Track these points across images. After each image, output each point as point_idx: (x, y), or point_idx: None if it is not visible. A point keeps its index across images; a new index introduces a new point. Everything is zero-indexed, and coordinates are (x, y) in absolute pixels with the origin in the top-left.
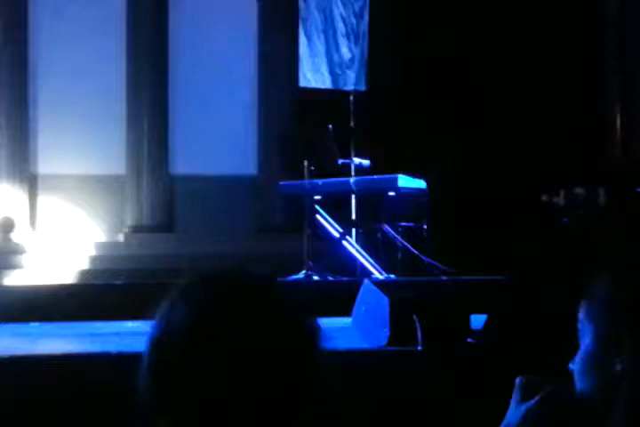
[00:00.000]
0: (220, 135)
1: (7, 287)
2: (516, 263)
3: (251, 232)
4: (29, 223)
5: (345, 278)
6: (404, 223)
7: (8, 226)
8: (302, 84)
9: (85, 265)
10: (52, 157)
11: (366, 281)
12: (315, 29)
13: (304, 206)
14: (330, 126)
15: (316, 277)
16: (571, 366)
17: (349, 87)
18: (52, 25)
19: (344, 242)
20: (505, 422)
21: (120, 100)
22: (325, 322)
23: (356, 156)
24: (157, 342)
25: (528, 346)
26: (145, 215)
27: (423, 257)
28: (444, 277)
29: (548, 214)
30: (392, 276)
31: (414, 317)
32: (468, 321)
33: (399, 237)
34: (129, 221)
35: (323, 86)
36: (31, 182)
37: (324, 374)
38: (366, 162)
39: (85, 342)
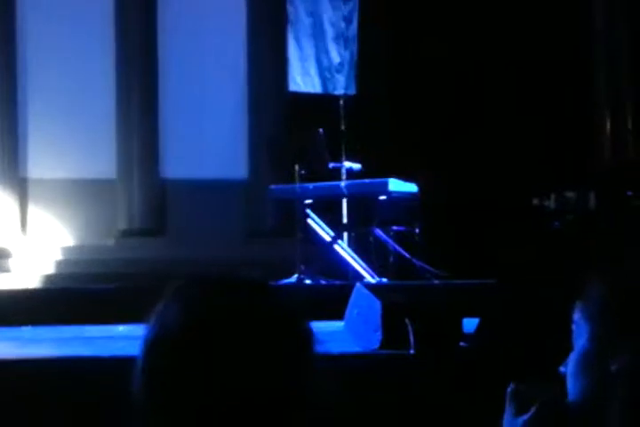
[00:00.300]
0: (210, 139)
1: None
2: (507, 267)
3: (242, 236)
4: (20, 227)
5: (337, 282)
6: (395, 227)
7: None
8: (292, 88)
9: (76, 269)
10: (43, 162)
11: (358, 285)
12: (304, 33)
13: (295, 210)
14: (320, 130)
15: (308, 281)
16: (562, 369)
17: (339, 91)
18: (41, 30)
19: (336, 246)
20: None
21: (110, 104)
22: (318, 326)
23: (347, 159)
24: (151, 345)
25: (520, 350)
26: (136, 219)
27: (415, 261)
28: (436, 281)
29: (539, 218)
30: (384, 280)
31: (406, 320)
32: (460, 325)
33: (391, 241)
34: (120, 225)
35: (312, 90)
36: (21, 187)
37: (317, 378)
38: (357, 166)
39: (77, 346)
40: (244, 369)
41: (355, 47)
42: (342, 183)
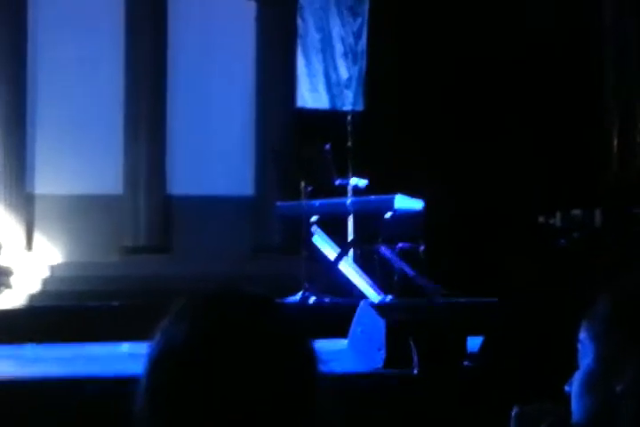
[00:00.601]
0: (217, 156)
1: (2, 309)
2: (512, 285)
3: (248, 253)
4: (25, 243)
5: (341, 300)
6: (400, 244)
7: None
8: (300, 103)
9: (81, 286)
10: (49, 177)
11: (363, 303)
12: (313, 48)
13: (301, 227)
14: (327, 146)
15: (312, 299)
16: (567, 388)
17: (347, 107)
18: (51, 46)
19: (341, 263)
20: None
21: (117, 120)
22: (321, 344)
23: (354, 176)
24: (156, 362)
25: (524, 368)
26: (141, 236)
27: (420, 279)
28: (441, 300)
29: (545, 236)
30: (389, 297)
31: (410, 339)
32: (464, 344)
33: (396, 259)
34: (125, 241)
35: (320, 106)
36: (28, 202)
37: (321, 398)
38: (363, 182)
39: (81, 365)
40: (247, 386)
41: (363, 63)
42: (348, 200)
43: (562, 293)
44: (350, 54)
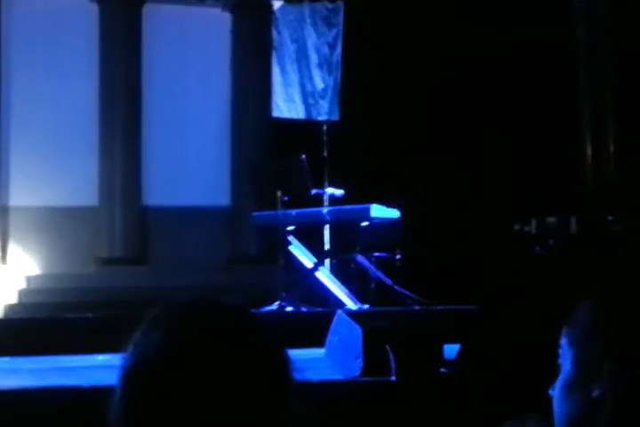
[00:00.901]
0: (192, 166)
1: None
2: (488, 292)
3: (224, 263)
4: (0, 256)
5: (318, 309)
6: (377, 253)
7: None
8: (275, 113)
9: (57, 298)
10: (24, 189)
11: (339, 312)
12: (288, 59)
13: (277, 237)
14: (303, 156)
15: (289, 308)
16: (550, 391)
17: (322, 117)
18: (25, 60)
19: (317, 272)
20: None
21: (92, 132)
22: (299, 353)
23: (330, 185)
24: (129, 373)
25: (501, 375)
26: (117, 247)
27: (396, 287)
28: (417, 307)
29: (521, 243)
30: (365, 306)
31: (387, 347)
32: (441, 351)
33: (373, 267)
34: (101, 252)
35: (296, 116)
36: (2, 214)
37: (298, 406)
38: (339, 192)
39: (56, 376)
40: (221, 396)
41: (338, 73)
42: (325, 209)
43: (538, 299)
44: (325, 65)
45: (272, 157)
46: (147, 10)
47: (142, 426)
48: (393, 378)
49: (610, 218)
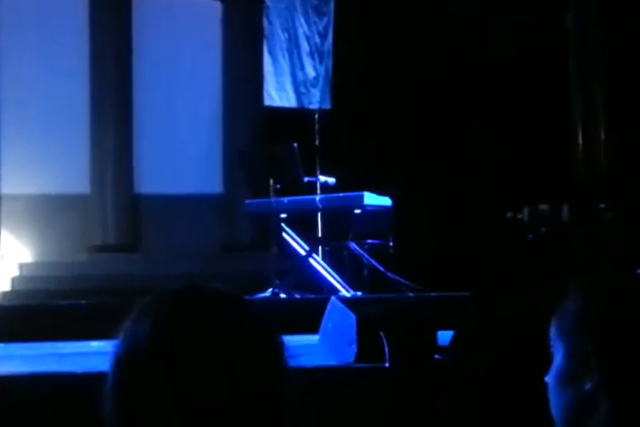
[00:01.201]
0: (184, 154)
1: None
2: (481, 279)
3: (217, 251)
4: None
5: (312, 296)
6: (370, 240)
7: None
8: (267, 102)
9: (50, 285)
10: (16, 177)
11: (333, 298)
12: (279, 48)
13: (270, 225)
14: (295, 144)
15: (282, 295)
16: (546, 378)
17: (314, 105)
18: (15, 44)
19: (310, 260)
20: None
21: (83, 119)
22: (293, 340)
23: (322, 173)
24: (121, 361)
25: (494, 361)
26: (110, 235)
27: (389, 274)
28: (411, 294)
29: (513, 231)
30: (359, 293)
31: (381, 333)
32: (434, 337)
33: (365, 255)
34: (93, 240)
35: (287, 105)
36: None
37: (292, 392)
38: (332, 180)
39: (50, 363)
40: (214, 382)
41: (329, 62)
42: (317, 197)
43: (530, 286)
44: (316, 53)
45: (264, 146)
46: None
47: (134, 414)
48: (387, 364)
49: (602, 206)
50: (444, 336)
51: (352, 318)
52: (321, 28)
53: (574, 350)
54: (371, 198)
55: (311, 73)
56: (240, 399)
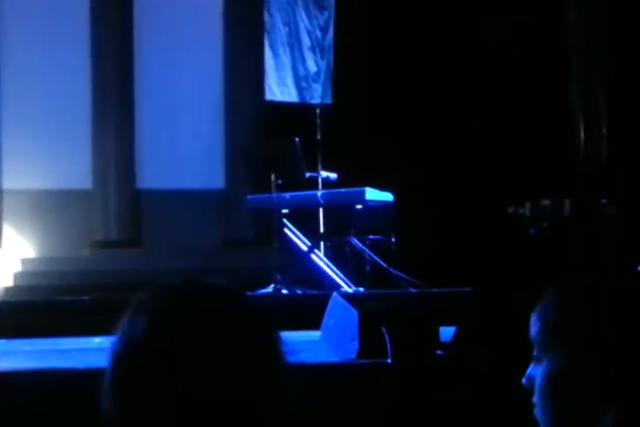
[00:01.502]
0: (186, 149)
1: None
2: (483, 275)
3: (218, 246)
4: None
5: (314, 292)
6: (372, 236)
7: None
8: (268, 97)
9: (52, 281)
10: (18, 173)
11: (335, 294)
12: (280, 43)
13: (272, 220)
14: (296, 139)
15: (284, 291)
16: (523, 380)
17: (316, 100)
18: (16, 38)
19: (312, 255)
20: None
21: (85, 114)
22: (294, 335)
23: (324, 169)
24: (119, 357)
25: (496, 357)
26: (112, 230)
27: (391, 270)
28: (413, 290)
29: (515, 226)
30: (361, 289)
31: (383, 329)
32: (436, 333)
33: (367, 250)
34: (95, 236)
35: (289, 99)
36: None
37: (293, 389)
38: (333, 175)
39: (52, 358)
40: (212, 379)
41: (331, 56)
42: (319, 193)
43: (532, 281)
44: (318, 48)
45: (265, 141)
46: None
47: (132, 410)
48: (389, 360)
49: (604, 201)
50: (447, 332)
51: (354, 313)
52: (322, 23)
53: (575, 357)
54: (373, 194)
55: (312, 67)
56: (237, 395)
